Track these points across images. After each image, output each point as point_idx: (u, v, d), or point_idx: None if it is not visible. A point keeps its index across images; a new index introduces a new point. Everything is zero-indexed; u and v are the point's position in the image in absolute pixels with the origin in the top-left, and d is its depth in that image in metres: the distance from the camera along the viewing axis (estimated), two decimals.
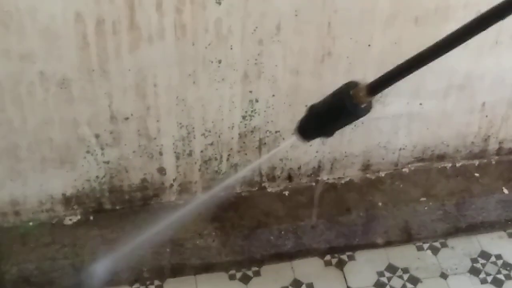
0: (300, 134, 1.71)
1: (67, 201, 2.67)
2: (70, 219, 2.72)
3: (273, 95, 2.52)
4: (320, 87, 2.52)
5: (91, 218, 2.73)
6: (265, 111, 2.58)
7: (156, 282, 2.75)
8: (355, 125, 2.69)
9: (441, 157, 2.94)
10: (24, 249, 2.64)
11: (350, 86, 1.53)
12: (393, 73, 1.45)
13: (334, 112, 1.56)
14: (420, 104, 2.71)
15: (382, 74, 1.47)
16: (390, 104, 2.66)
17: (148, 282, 2.75)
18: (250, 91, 2.49)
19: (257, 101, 2.53)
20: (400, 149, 2.86)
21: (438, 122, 2.80)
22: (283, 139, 2.68)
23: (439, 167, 2.96)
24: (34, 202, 2.63)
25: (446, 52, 1.32)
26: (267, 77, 2.46)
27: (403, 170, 2.94)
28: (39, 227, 2.69)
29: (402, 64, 1.42)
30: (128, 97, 2.38)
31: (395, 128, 2.77)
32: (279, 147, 2.67)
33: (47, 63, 2.24)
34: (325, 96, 1.61)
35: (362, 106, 1.52)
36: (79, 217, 2.73)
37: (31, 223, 2.69)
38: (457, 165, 2.97)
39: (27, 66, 2.23)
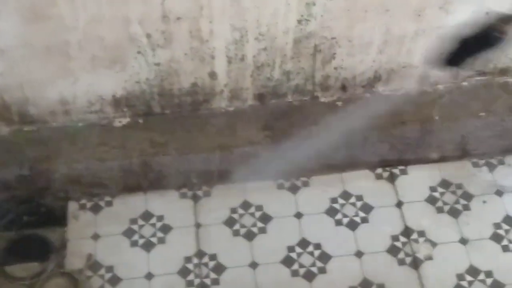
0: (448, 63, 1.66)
1: (116, 102, 2.63)
2: (120, 121, 2.69)
3: None
4: None
5: (140, 121, 2.70)
6: (322, 15, 2.46)
7: (204, 188, 2.74)
8: (415, 34, 2.57)
9: (504, 71, 2.80)
10: (73, 149, 2.63)
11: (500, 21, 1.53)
12: None
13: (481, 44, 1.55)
14: (487, 13, 2.56)
15: None
16: (454, 12, 2.52)
17: (196, 188, 2.74)
18: None
19: (314, 4, 2.41)
20: None
21: None
22: (339, 46, 2.58)
23: (501, 81, 2.83)
24: (83, 102, 2.61)
25: None
26: None
27: (463, 83, 2.82)
28: (88, 127, 2.67)
29: None
30: None
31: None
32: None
33: None
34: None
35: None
36: (128, 119, 2.70)
37: (80, 124, 2.67)
38: None
39: None
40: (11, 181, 2.61)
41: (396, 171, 2.78)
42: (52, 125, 2.65)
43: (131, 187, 2.71)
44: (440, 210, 2.68)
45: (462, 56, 1.57)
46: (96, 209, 2.68)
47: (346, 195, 2.72)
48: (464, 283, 2.51)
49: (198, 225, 2.65)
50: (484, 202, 2.69)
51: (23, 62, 2.40)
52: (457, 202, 2.70)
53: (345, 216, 2.67)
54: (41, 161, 2.61)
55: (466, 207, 2.69)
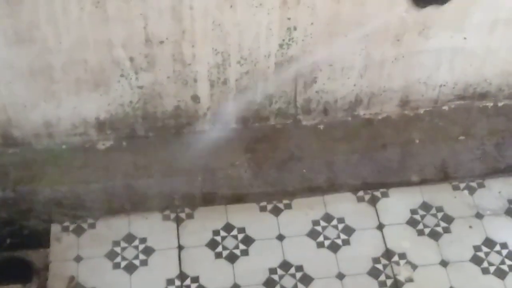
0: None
1: (100, 125, 2.65)
2: (103, 144, 2.71)
3: (312, 23, 2.45)
4: (362, 16, 2.44)
5: (124, 143, 2.72)
6: (303, 40, 2.50)
7: (187, 210, 2.75)
8: (395, 59, 2.61)
9: (483, 96, 2.85)
10: (57, 171, 2.65)
11: None
12: None
13: None
14: (464, 38, 2.61)
15: None
16: (434, 37, 2.57)
17: (179, 210, 2.75)
18: (289, 18, 2.42)
19: (295, 29, 2.46)
20: (441, 86, 2.78)
21: (482, 58, 2.70)
22: (321, 70, 2.62)
23: (480, 106, 2.87)
24: (67, 125, 2.63)
25: None
26: (307, 3, 2.38)
27: (443, 107, 2.86)
28: (72, 150, 2.69)
29: None
30: (163, 19, 2.33)
31: (437, 63, 2.68)
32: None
33: None
34: None
35: None
36: (112, 142, 2.72)
37: (64, 146, 2.69)
38: (499, 104, 2.88)
39: None
40: None
41: (377, 193, 2.80)
42: (36, 147, 2.66)
43: (114, 209, 2.72)
44: (420, 232, 2.70)
45: None
46: (79, 231, 2.69)
47: (328, 218, 2.74)
48: None
49: (180, 247, 2.66)
50: (470, 227, 2.71)
51: (6, 85, 2.42)
52: (437, 224, 2.71)
53: (326, 238, 2.68)
54: (25, 183, 2.62)
55: (447, 230, 2.71)
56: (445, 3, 1.54)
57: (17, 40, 2.29)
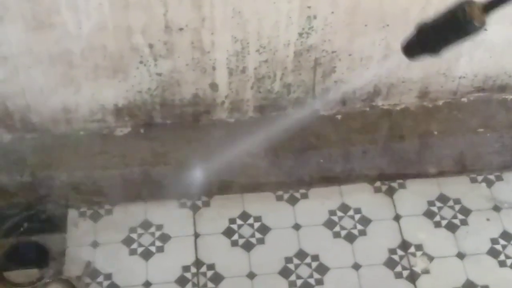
0: (406, 52, 1.66)
1: (118, 112, 2.66)
2: (121, 131, 2.72)
3: (332, 12, 2.44)
4: (381, 6, 2.43)
5: (142, 130, 2.73)
6: (322, 29, 2.49)
7: (204, 198, 2.75)
8: None
9: (503, 88, 2.82)
10: (74, 157, 2.66)
11: (466, 3, 1.50)
12: None
13: (446, 28, 1.53)
14: (485, 29, 2.58)
15: None
16: None
17: (195, 198, 2.75)
18: (309, 7, 2.41)
19: (315, 17, 2.45)
20: (460, 78, 2.76)
21: (502, 50, 2.68)
22: (340, 60, 2.61)
23: (500, 98, 2.85)
24: (85, 111, 2.63)
25: None
26: None
27: (462, 99, 2.84)
28: (89, 136, 2.70)
29: None
30: (183, 6, 2.33)
31: (457, 54, 2.66)
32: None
33: None
34: (438, 14, 1.57)
35: (476, 23, 1.49)
36: (129, 129, 2.72)
37: (82, 132, 2.70)
38: None
39: None
40: (12, 188, 2.63)
41: (394, 185, 2.79)
42: (54, 133, 2.67)
43: (131, 196, 2.73)
44: (437, 224, 2.69)
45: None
46: (96, 217, 2.70)
47: (344, 208, 2.73)
48: None
49: (196, 235, 2.66)
50: (488, 220, 2.69)
51: (25, 70, 2.43)
52: (454, 217, 2.70)
53: (343, 228, 2.68)
54: (43, 168, 2.63)
55: (464, 222, 2.69)
56: (438, 54, 1.55)
57: (37, 25, 2.29)
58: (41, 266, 2.55)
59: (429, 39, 1.58)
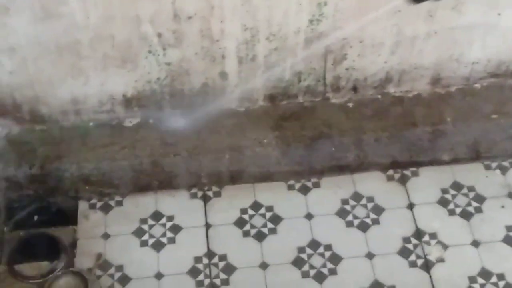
0: None
1: (127, 102, 2.63)
2: (130, 121, 2.70)
3: None
4: None
5: (151, 121, 2.70)
6: (333, 15, 2.45)
7: (214, 188, 2.73)
8: (427, 35, 2.56)
9: None
10: (84, 148, 2.64)
11: None
12: None
13: None
14: (499, 14, 2.54)
15: None
16: (467, 12, 2.51)
17: (206, 188, 2.73)
18: None
19: (325, 4, 2.41)
20: (473, 63, 2.72)
21: None
22: (351, 47, 2.57)
23: None
24: (94, 102, 2.61)
25: None
26: None
27: (475, 85, 2.81)
28: (99, 127, 2.68)
29: None
30: None
31: (470, 39, 2.62)
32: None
33: None
34: None
35: None
36: (139, 119, 2.70)
37: (91, 123, 2.68)
38: None
39: None
40: (22, 180, 2.61)
41: (407, 172, 2.76)
42: (63, 124, 2.66)
43: (142, 187, 2.71)
44: (452, 212, 2.66)
45: None
46: (106, 208, 2.68)
47: (357, 197, 2.71)
48: (476, 286, 2.49)
49: (208, 226, 2.64)
50: (502, 207, 2.67)
51: (34, 61, 2.40)
52: (469, 204, 2.67)
53: (356, 217, 2.65)
54: (52, 160, 2.61)
55: (478, 210, 2.66)
56: None
57: (45, 16, 2.27)
58: (52, 258, 2.54)
59: None
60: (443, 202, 2.68)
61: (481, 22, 2.57)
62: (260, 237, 2.61)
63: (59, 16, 2.27)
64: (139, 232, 2.62)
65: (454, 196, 2.69)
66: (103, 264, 2.55)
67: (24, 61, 2.40)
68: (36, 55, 2.39)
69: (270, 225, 2.64)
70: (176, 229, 2.63)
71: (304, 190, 2.73)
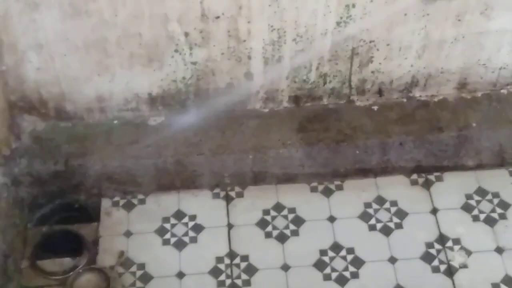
0: None
1: (152, 101, 2.64)
2: (155, 120, 2.70)
3: (371, 1, 2.39)
4: None
5: (175, 120, 2.70)
6: (361, 18, 2.45)
7: (237, 189, 2.73)
8: (455, 39, 2.54)
9: None
10: (108, 146, 2.64)
11: None
12: None
13: None
14: None
15: None
16: (496, 17, 2.49)
17: (229, 188, 2.73)
18: None
19: (353, 6, 2.40)
20: (501, 68, 2.70)
21: None
22: (378, 50, 2.56)
23: None
24: (120, 100, 2.61)
25: None
26: None
27: (502, 91, 2.78)
28: (123, 125, 2.68)
29: None
30: None
31: (498, 44, 2.60)
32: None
33: None
34: None
35: None
36: (163, 118, 2.70)
37: (115, 121, 2.68)
38: None
39: None
40: (46, 176, 2.62)
41: (431, 177, 2.74)
42: (88, 121, 2.66)
43: (165, 186, 2.71)
44: (476, 218, 2.64)
45: None
46: (129, 206, 2.69)
47: (380, 200, 2.69)
48: None
49: (230, 226, 2.63)
50: None
51: (61, 58, 2.42)
52: (493, 210, 2.65)
53: (379, 221, 2.64)
54: (76, 157, 2.62)
55: (503, 216, 2.64)
56: None
57: (73, 13, 2.28)
58: (74, 255, 2.55)
59: None
60: (467, 208, 2.66)
61: (510, 27, 2.55)
62: (282, 238, 2.60)
63: (87, 13, 2.28)
64: (161, 231, 2.62)
65: (478, 202, 2.67)
66: (125, 261, 2.55)
67: (51, 57, 2.41)
68: (63, 51, 2.40)
69: (292, 226, 2.63)
70: (198, 228, 2.63)
71: (327, 193, 2.72)
